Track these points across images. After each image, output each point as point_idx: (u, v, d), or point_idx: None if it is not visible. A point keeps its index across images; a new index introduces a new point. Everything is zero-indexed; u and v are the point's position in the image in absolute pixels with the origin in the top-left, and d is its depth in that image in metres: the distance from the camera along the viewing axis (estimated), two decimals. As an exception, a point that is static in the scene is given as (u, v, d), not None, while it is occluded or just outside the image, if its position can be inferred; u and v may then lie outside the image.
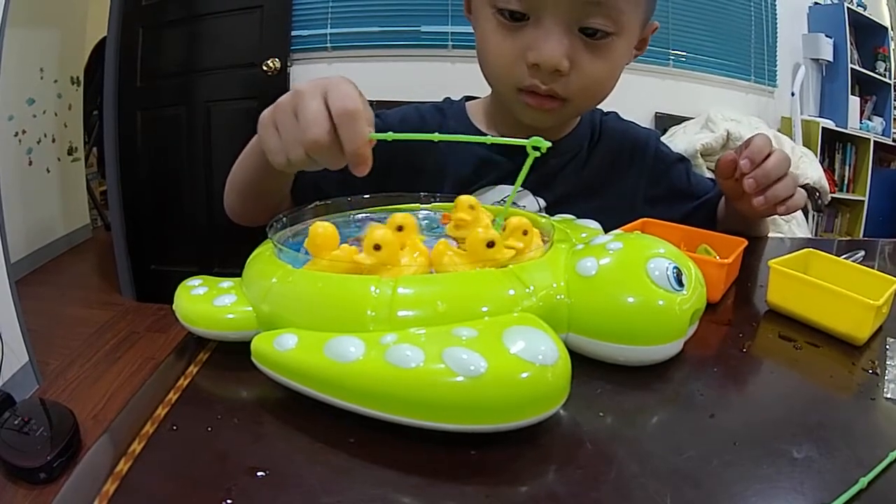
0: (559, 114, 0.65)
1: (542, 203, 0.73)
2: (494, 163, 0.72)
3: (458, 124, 0.75)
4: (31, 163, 2.71)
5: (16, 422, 1.46)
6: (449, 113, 0.77)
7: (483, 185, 0.72)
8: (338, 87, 0.42)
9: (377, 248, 0.35)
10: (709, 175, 0.91)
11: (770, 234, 0.79)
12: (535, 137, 0.40)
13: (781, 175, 0.59)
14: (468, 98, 0.80)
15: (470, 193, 0.68)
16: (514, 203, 0.69)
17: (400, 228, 0.36)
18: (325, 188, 0.63)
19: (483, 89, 0.79)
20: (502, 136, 0.70)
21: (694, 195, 0.78)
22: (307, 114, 0.42)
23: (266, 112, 0.46)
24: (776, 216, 0.69)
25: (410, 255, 0.37)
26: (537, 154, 0.40)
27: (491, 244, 0.36)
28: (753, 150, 0.59)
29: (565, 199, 0.73)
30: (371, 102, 0.78)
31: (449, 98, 0.80)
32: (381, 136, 0.42)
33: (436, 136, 0.42)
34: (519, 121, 0.68)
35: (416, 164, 0.72)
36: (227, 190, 0.67)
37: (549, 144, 0.40)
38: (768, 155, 0.59)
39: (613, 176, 0.77)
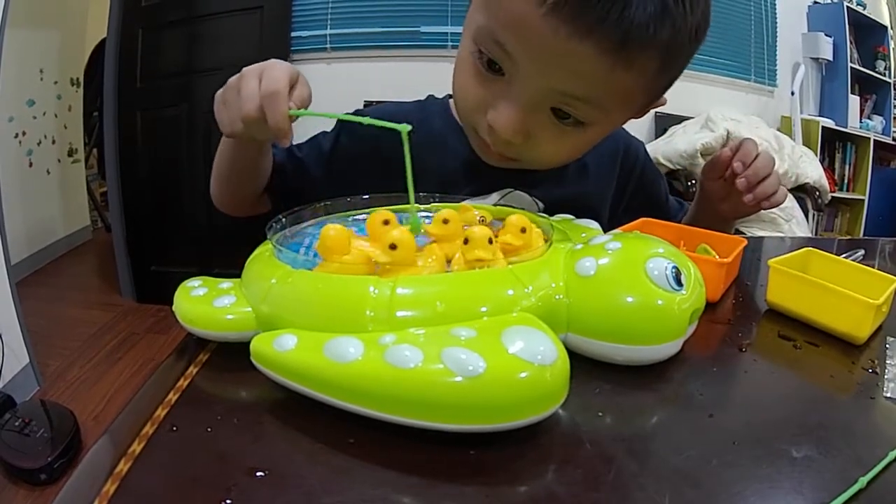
0: (513, 166, 0.62)
1: (541, 205, 0.72)
2: (479, 165, 0.69)
3: (441, 121, 0.74)
4: (31, 164, 2.72)
5: (16, 423, 1.47)
6: (432, 110, 0.76)
7: (473, 193, 0.70)
8: (270, 71, 0.49)
9: (393, 247, 0.35)
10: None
11: (770, 234, 0.80)
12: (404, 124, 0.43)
13: (767, 174, 0.64)
14: (451, 96, 0.78)
15: (460, 200, 0.69)
16: (509, 205, 0.69)
17: (393, 247, 0.36)
18: (306, 182, 0.70)
19: (437, 89, 0.79)
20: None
21: (667, 216, 0.79)
22: (244, 92, 0.49)
23: (219, 91, 0.52)
24: (777, 218, 0.71)
25: (426, 257, 0.37)
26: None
27: (466, 241, 0.36)
28: (744, 153, 0.64)
29: (564, 202, 0.72)
30: (371, 103, 0.79)
31: (432, 95, 0.80)
32: (298, 112, 0.48)
33: (348, 117, 0.49)
34: None
35: (392, 162, 0.72)
36: (212, 178, 0.69)
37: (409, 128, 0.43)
38: (756, 157, 0.64)
39: (602, 183, 0.77)
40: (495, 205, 0.69)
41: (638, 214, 0.76)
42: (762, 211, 0.71)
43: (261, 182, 0.69)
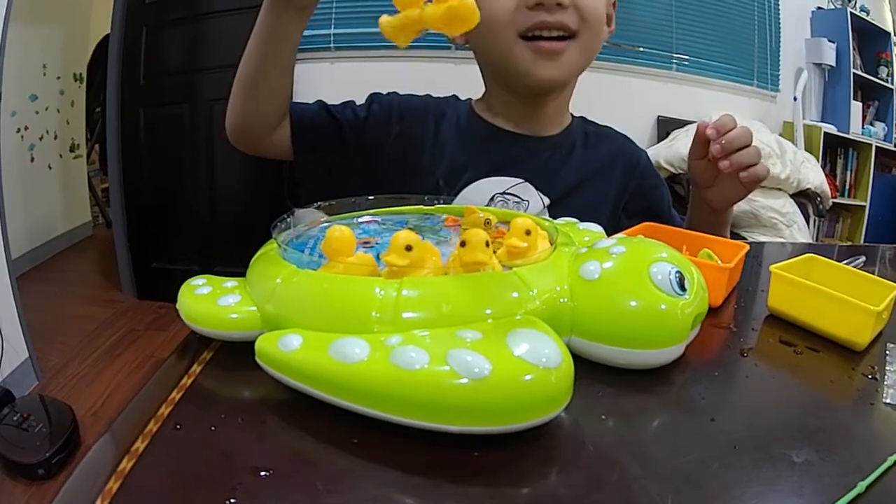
0: (569, 59, 0.69)
1: (546, 201, 0.74)
2: (493, 147, 0.76)
3: (466, 116, 0.79)
4: (32, 159, 2.72)
5: (15, 418, 1.47)
6: (458, 105, 0.82)
7: (487, 171, 0.75)
8: None
9: (409, 248, 0.35)
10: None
11: (771, 239, 0.81)
12: None
13: (745, 145, 0.65)
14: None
15: (467, 183, 0.73)
16: (516, 196, 0.74)
17: (409, 248, 0.36)
18: (336, 141, 0.73)
19: (461, 90, 0.82)
20: (504, 127, 0.77)
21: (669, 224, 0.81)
22: None
23: None
24: (778, 223, 0.73)
25: (430, 258, 0.37)
26: None
27: (463, 244, 0.36)
28: (719, 123, 0.65)
29: (565, 195, 0.75)
30: None
31: (456, 95, 0.84)
32: None
33: None
34: (517, 112, 0.75)
35: (413, 131, 0.77)
36: (230, 99, 0.69)
37: None
38: (733, 128, 0.65)
39: (604, 180, 0.80)
40: (505, 192, 0.73)
41: (639, 220, 0.78)
42: (764, 216, 0.73)
43: (284, 91, 0.69)
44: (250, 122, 0.69)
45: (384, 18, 0.38)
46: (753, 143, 0.65)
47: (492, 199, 0.74)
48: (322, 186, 0.75)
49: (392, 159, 0.75)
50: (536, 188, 0.74)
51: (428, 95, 0.82)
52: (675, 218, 0.84)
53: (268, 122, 0.70)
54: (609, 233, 0.57)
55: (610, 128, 0.86)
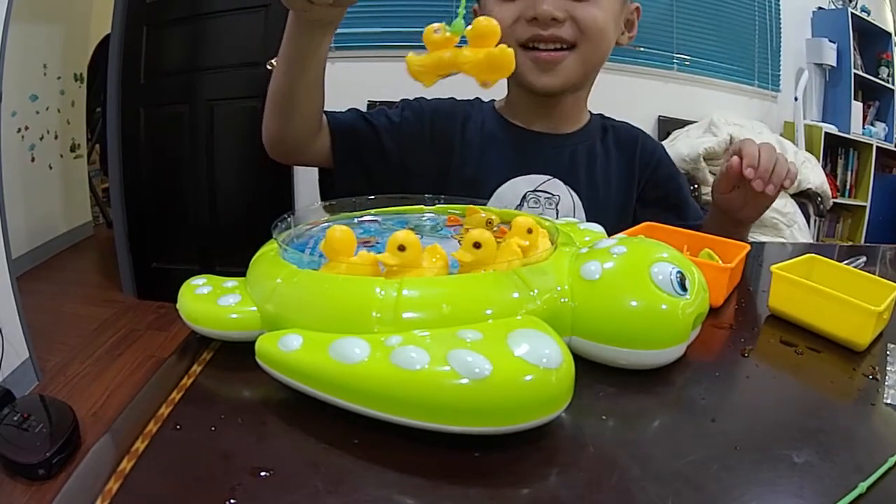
0: (566, 67, 0.71)
1: (577, 199, 0.77)
2: (515, 147, 0.78)
3: (491, 118, 0.82)
4: (33, 159, 2.72)
5: (15, 418, 1.47)
6: (482, 107, 0.85)
7: (507, 174, 0.77)
8: None
9: (402, 248, 0.35)
10: (710, 178, 0.96)
11: (772, 239, 0.83)
12: None
13: (775, 162, 0.66)
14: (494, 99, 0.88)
15: (498, 183, 0.76)
16: (547, 192, 0.77)
17: (402, 248, 0.36)
18: (376, 147, 0.75)
19: (483, 91, 0.83)
20: (526, 127, 0.80)
21: (684, 216, 0.83)
22: None
23: None
24: (779, 223, 0.75)
25: (430, 258, 0.37)
26: None
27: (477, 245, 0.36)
28: (750, 157, 0.65)
29: (590, 190, 0.78)
30: (374, 103, 0.82)
31: (479, 98, 0.87)
32: None
33: None
34: (535, 111, 0.78)
35: (444, 137, 0.80)
36: (264, 114, 0.69)
37: None
38: (760, 153, 0.66)
39: (625, 173, 0.82)
40: (536, 189, 0.76)
41: (655, 208, 0.80)
42: (765, 216, 0.75)
43: (316, 106, 0.68)
44: (287, 135, 0.70)
45: (412, 57, 0.38)
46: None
47: (524, 197, 0.76)
48: (356, 190, 0.75)
49: (425, 161, 0.77)
50: (566, 183, 0.77)
51: (452, 98, 0.85)
52: (693, 208, 0.86)
53: (304, 135, 0.71)
54: (630, 224, 0.58)
55: (627, 123, 0.88)
